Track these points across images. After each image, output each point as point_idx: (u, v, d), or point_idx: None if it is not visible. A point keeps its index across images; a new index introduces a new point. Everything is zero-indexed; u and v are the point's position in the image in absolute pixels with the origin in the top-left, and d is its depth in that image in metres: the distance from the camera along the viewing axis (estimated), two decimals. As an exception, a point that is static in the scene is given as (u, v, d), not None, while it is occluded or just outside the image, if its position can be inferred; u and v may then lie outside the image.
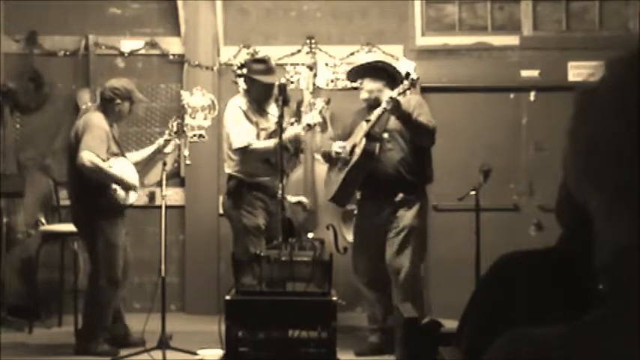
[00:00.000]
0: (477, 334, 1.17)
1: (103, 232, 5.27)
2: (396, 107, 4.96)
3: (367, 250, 5.28)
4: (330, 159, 5.38)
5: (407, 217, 5.18)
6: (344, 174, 5.23)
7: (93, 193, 5.23)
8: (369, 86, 5.26)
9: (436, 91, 6.48)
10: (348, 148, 5.23)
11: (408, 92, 4.97)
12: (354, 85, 6.76)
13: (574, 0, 6.89)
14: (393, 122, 5.17)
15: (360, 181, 5.26)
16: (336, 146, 5.26)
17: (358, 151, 5.16)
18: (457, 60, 6.68)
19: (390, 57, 6.72)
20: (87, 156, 5.11)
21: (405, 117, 5.04)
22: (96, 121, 5.28)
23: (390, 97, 4.95)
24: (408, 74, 4.98)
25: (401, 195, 5.17)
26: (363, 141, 5.13)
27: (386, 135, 5.19)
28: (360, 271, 5.34)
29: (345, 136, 5.38)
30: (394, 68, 5.33)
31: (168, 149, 5.54)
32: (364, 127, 5.17)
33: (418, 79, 4.95)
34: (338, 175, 5.31)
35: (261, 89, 5.52)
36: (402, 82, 5.01)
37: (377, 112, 5.07)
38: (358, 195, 5.47)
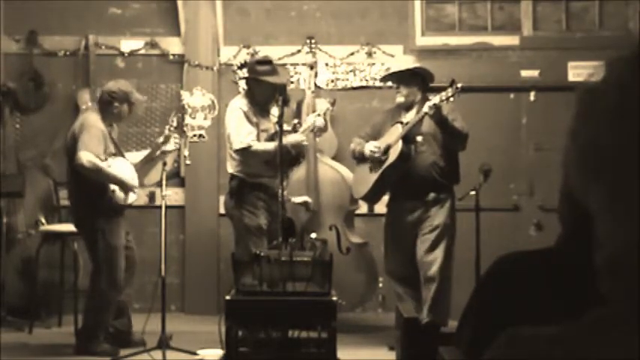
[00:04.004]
0: (476, 334, 1.17)
1: (104, 234, 5.26)
2: (436, 112, 5.07)
3: (400, 248, 5.38)
4: (361, 158, 5.45)
5: (440, 215, 5.28)
6: (378, 174, 5.33)
7: (92, 195, 5.22)
8: (406, 90, 5.37)
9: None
10: (382, 149, 5.31)
11: (451, 99, 5.05)
12: (354, 85, 6.81)
13: (574, 0, 6.89)
14: (427, 125, 5.26)
15: (392, 182, 5.36)
16: (371, 146, 5.35)
17: (393, 152, 5.25)
18: (457, 60, 6.68)
19: (390, 57, 6.74)
20: (85, 156, 5.10)
21: (443, 122, 5.15)
22: (92, 121, 5.27)
23: (434, 104, 5.04)
24: (453, 81, 5.07)
25: (432, 194, 5.27)
26: (400, 143, 5.22)
27: (420, 138, 5.29)
28: (393, 268, 5.44)
29: (374, 135, 5.46)
30: (429, 72, 5.45)
31: (169, 147, 5.47)
32: (399, 128, 5.27)
33: (462, 86, 5.02)
34: (368, 174, 5.41)
35: (267, 91, 5.51)
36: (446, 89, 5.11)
37: (417, 115, 5.18)
38: (388, 195, 5.55)
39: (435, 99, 5.06)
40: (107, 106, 5.38)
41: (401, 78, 5.43)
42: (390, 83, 5.81)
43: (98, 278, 5.32)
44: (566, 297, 1.07)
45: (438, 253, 5.25)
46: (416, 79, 5.41)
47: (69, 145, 5.29)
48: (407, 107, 5.37)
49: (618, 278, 0.88)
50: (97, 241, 5.28)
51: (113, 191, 5.23)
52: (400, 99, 5.40)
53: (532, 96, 6.72)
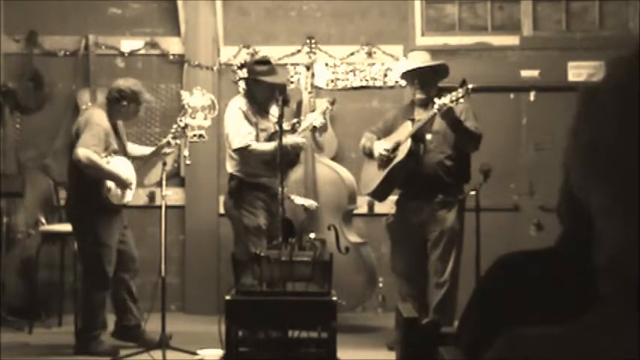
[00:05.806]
0: (476, 334, 1.17)
1: (95, 231, 5.24)
2: (448, 113, 5.04)
3: (406, 247, 5.38)
4: (370, 153, 5.46)
5: (448, 219, 5.27)
6: (386, 171, 5.32)
7: (87, 192, 5.20)
8: (427, 87, 5.34)
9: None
10: (392, 146, 5.30)
11: (461, 100, 5.01)
12: (354, 85, 6.80)
13: (574, 0, 6.89)
14: (438, 124, 5.23)
15: (401, 179, 5.35)
16: (380, 148, 5.34)
17: (402, 149, 5.23)
18: (457, 60, 6.67)
19: (390, 57, 6.74)
20: (83, 152, 5.09)
21: (454, 123, 5.12)
22: (96, 118, 5.26)
23: (444, 104, 5.01)
24: (464, 82, 5.03)
25: (440, 196, 5.22)
26: (409, 141, 5.21)
27: (429, 136, 5.27)
28: (399, 267, 5.44)
29: (386, 130, 5.45)
30: (447, 70, 5.42)
31: (170, 148, 5.46)
32: (409, 126, 5.25)
33: (473, 88, 4.99)
34: (377, 170, 5.40)
35: (266, 91, 5.51)
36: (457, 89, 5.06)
37: (427, 114, 5.15)
38: (397, 194, 5.55)
39: (444, 99, 5.03)
40: (115, 104, 5.36)
41: (420, 74, 5.37)
42: (390, 83, 5.81)
43: (87, 276, 5.33)
44: (566, 297, 1.07)
45: (449, 262, 5.27)
46: (434, 76, 5.38)
47: (73, 140, 5.27)
48: (425, 104, 5.30)
49: (618, 278, 0.87)
50: (87, 237, 5.27)
51: (109, 189, 5.21)
52: (421, 95, 5.34)
53: (532, 96, 6.73)
